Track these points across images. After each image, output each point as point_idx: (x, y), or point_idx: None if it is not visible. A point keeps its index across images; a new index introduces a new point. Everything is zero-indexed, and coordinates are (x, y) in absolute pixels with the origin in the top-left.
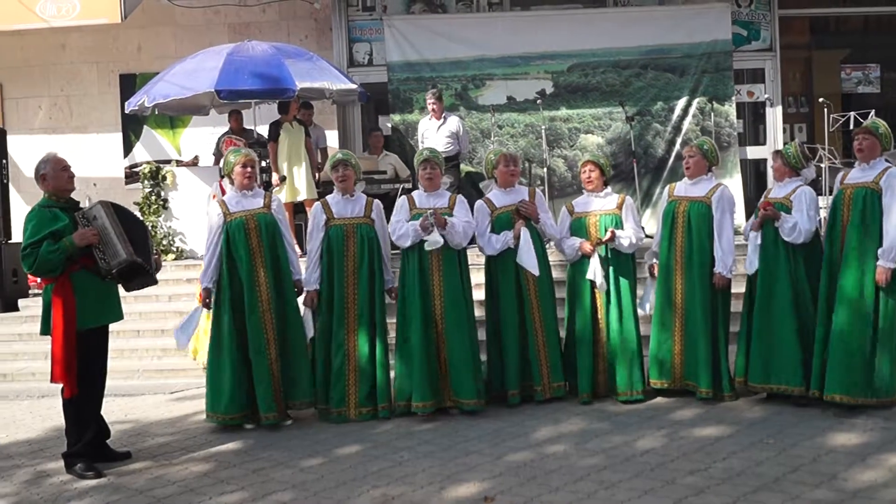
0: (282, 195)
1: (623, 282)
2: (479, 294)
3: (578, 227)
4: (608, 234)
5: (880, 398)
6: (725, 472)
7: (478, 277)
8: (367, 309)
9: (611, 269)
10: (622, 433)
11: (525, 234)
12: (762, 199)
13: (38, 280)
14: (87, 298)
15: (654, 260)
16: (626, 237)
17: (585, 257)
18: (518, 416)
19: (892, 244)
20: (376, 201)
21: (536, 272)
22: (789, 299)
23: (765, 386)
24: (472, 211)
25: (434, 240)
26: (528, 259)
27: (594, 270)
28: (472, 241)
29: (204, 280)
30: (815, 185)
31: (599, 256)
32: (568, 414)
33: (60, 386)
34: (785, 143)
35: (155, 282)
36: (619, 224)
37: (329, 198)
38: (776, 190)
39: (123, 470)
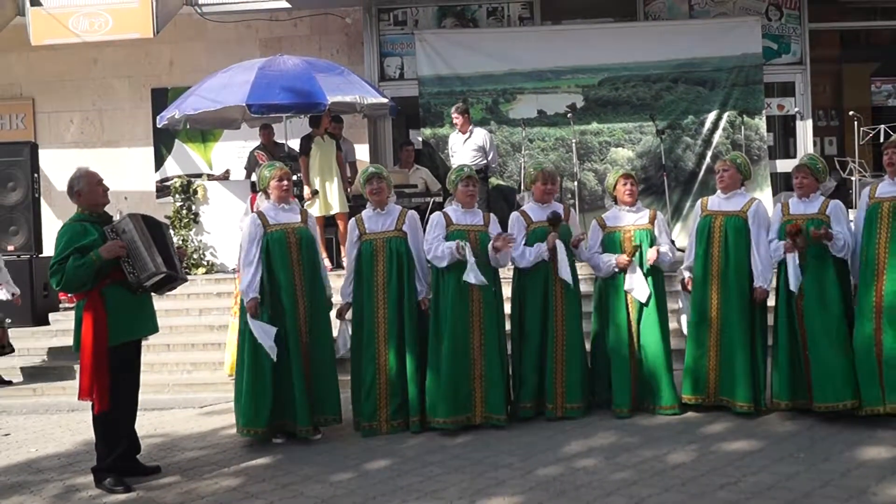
0: (314, 209)
1: (654, 295)
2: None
3: (611, 241)
4: (654, 253)
5: None
6: (756, 486)
7: (507, 291)
8: (395, 323)
9: (648, 284)
10: (653, 447)
11: (562, 249)
12: (778, 214)
13: (69, 295)
14: (119, 313)
15: (689, 274)
16: (668, 255)
17: (622, 272)
18: (548, 431)
19: None
20: (410, 212)
21: (570, 281)
22: (844, 314)
23: (832, 405)
24: (504, 223)
25: (474, 278)
26: (565, 272)
27: (634, 283)
28: None
29: (250, 291)
30: (845, 197)
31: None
32: (598, 428)
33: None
34: (808, 157)
35: (185, 280)
36: (653, 239)
37: (364, 213)
38: (800, 205)
39: (153, 485)
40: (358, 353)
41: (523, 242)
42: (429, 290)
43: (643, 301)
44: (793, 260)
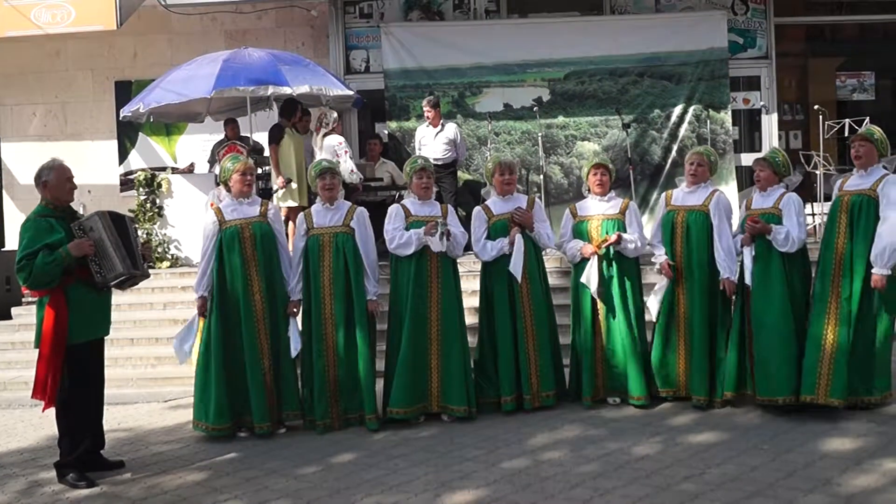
0: (288, 201)
1: (628, 284)
2: (471, 301)
3: (581, 230)
4: (615, 236)
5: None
6: (720, 477)
7: (472, 285)
8: (343, 319)
9: (615, 272)
10: (618, 440)
11: (519, 241)
12: (743, 210)
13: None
14: (81, 312)
15: (664, 258)
16: (632, 241)
17: (585, 260)
18: (513, 423)
19: (884, 250)
20: (360, 209)
21: (519, 279)
22: (788, 309)
23: (771, 399)
24: (470, 219)
25: (438, 245)
26: (516, 266)
27: (589, 275)
28: (467, 248)
29: (199, 289)
30: (809, 190)
31: (599, 258)
32: (563, 421)
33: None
34: (769, 151)
35: (147, 276)
36: (621, 228)
37: (313, 207)
38: (759, 199)
39: (117, 479)
40: (308, 350)
41: (484, 236)
42: (377, 291)
43: (594, 294)
44: (749, 253)
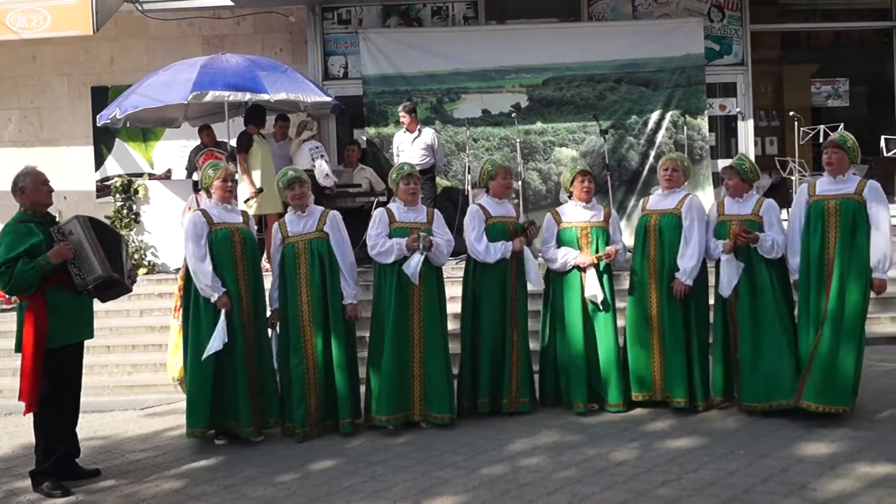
0: (252, 209)
1: (607, 291)
2: (451, 307)
3: (568, 237)
4: (613, 251)
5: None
6: (697, 482)
7: (451, 290)
8: (321, 325)
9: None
10: (596, 445)
11: (527, 251)
12: (714, 214)
13: (10, 297)
14: (61, 315)
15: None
16: (624, 254)
17: (578, 270)
18: (492, 430)
19: (885, 255)
20: (332, 212)
21: (541, 286)
22: (774, 315)
23: (764, 405)
24: (449, 223)
25: (414, 272)
26: (535, 276)
27: (593, 288)
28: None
29: (215, 288)
30: (785, 196)
31: (596, 270)
32: (542, 427)
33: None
34: (736, 158)
35: (129, 290)
36: (607, 236)
37: (286, 216)
38: (735, 206)
39: (93, 488)
40: (286, 358)
41: (484, 235)
42: (356, 294)
43: (599, 305)
44: (727, 262)
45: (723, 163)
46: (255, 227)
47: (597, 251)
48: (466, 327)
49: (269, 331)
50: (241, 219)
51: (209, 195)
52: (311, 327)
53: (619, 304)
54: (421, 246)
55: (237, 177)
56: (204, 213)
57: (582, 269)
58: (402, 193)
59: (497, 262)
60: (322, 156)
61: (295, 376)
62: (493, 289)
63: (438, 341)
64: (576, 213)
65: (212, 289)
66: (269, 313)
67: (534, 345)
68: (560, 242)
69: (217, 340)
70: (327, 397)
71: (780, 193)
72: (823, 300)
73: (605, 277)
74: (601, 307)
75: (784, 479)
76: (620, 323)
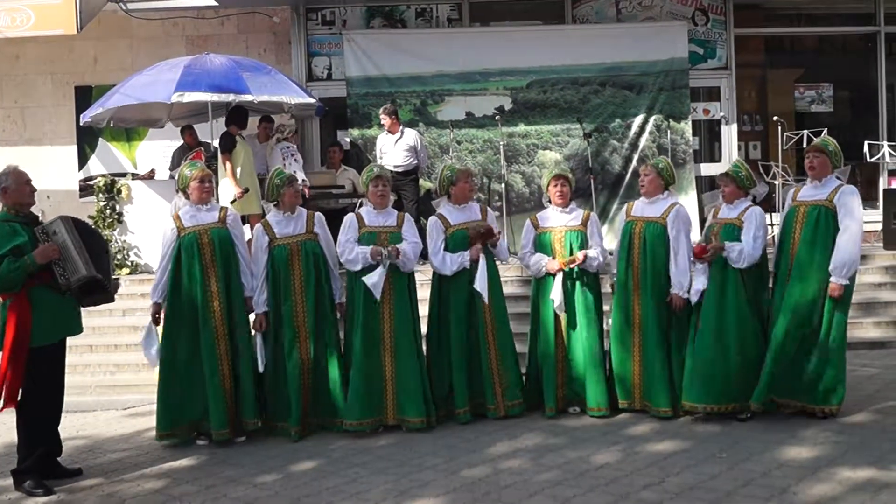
0: (243, 210)
1: (589, 297)
2: (424, 309)
3: (543, 242)
4: (581, 257)
5: (820, 405)
6: (679, 486)
7: (424, 293)
8: (315, 326)
9: (577, 285)
10: (578, 448)
11: (482, 260)
12: (710, 218)
13: None
14: (44, 314)
15: (612, 278)
16: (596, 258)
17: (549, 275)
18: (473, 432)
19: (844, 261)
20: (317, 214)
21: (486, 300)
22: (734, 319)
23: (706, 406)
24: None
25: (375, 284)
26: (482, 286)
27: (557, 292)
28: (422, 256)
29: (154, 295)
30: (769, 201)
31: (564, 275)
32: (523, 429)
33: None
34: (733, 164)
35: (112, 300)
36: (584, 240)
37: (270, 217)
38: (726, 210)
39: (74, 487)
40: (280, 360)
41: (442, 247)
42: (342, 292)
43: (557, 311)
44: (701, 270)
45: (706, 167)
46: (240, 226)
47: (571, 255)
48: (433, 333)
49: (255, 333)
50: (216, 218)
51: (186, 196)
52: (306, 328)
53: (606, 308)
54: (385, 262)
55: (220, 177)
56: (176, 218)
57: (552, 275)
58: (371, 196)
59: (461, 272)
60: (293, 155)
61: (290, 377)
62: (460, 296)
63: (410, 345)
64: (553, 218)
65: (151, 294)
66: (252, 317)
67: (522, 347)
68: (537, 247)
69: (150, 344)
70: (324, 397)
71: (764, 198)
72: (789, 303)
73: (580, 281)
74: (559, 312)
75: (766, 483)
76: (608, 328)
